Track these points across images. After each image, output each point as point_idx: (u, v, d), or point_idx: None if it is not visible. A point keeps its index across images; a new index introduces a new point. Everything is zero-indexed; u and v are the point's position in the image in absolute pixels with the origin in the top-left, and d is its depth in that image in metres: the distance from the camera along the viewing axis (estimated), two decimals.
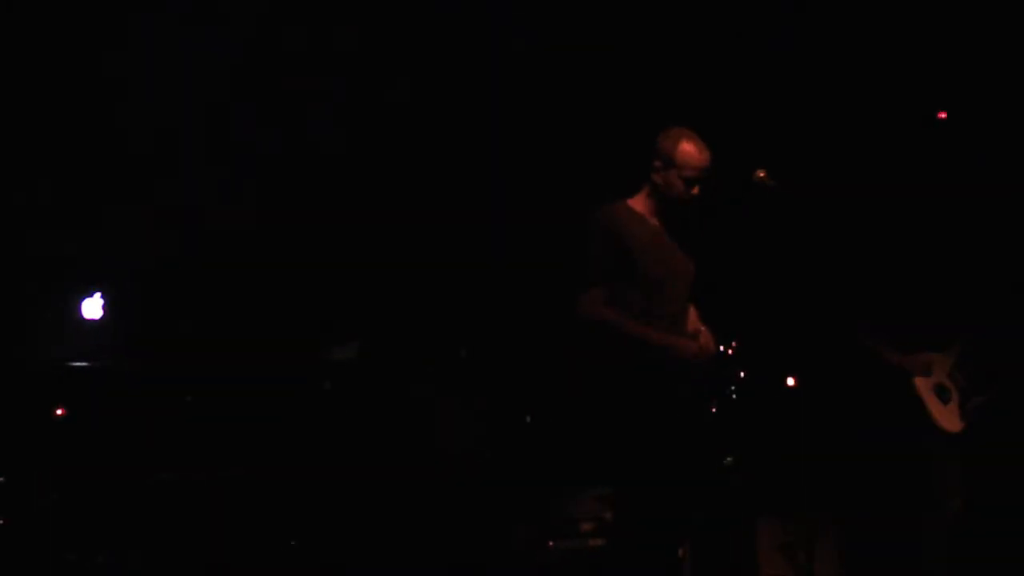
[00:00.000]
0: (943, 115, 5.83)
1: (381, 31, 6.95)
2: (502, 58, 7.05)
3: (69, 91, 6.66)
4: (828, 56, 6.65)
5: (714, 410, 4.82)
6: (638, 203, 4.73)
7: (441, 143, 7.19)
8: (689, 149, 4.61)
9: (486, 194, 7.09)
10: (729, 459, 6.00)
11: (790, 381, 5.36)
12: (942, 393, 5.57)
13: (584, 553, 5.87)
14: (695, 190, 4.64)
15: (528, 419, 6.19)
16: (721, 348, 4.76)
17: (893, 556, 5.97)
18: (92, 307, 6.53)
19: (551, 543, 5.91)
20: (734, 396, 4.84)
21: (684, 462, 4.59)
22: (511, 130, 7.15)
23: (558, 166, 7.02)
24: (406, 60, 7.04)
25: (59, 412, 5.78)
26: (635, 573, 4.49)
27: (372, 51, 7.00)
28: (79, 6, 6.52)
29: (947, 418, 5.54)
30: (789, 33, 6.59)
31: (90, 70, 6.65)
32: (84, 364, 6.03)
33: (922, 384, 5.57)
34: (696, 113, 5.85)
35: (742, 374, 5.75)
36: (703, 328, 4.70)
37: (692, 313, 4.82)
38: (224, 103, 6.95)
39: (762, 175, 4.77)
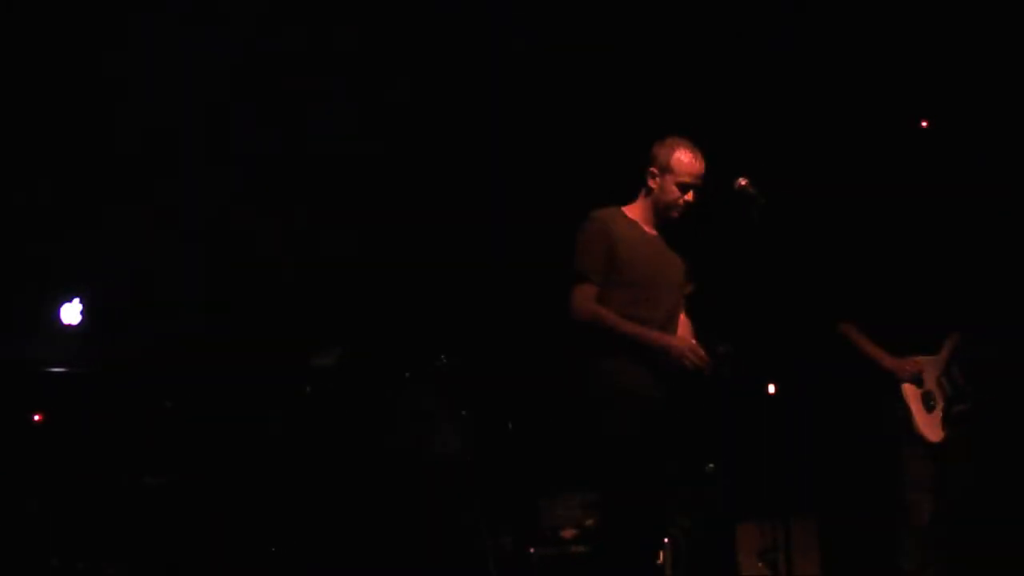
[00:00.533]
0: (925, 123, 5.78)
1: (381, 31, 6.93)
2: (502, 58, 7.02)
3: (69, 91, 6.67)
4: (815, 59, 6.63)
5: (698, 415, 4.80)
6: (633, 210, 4.83)
7: (440, 144, 7.18)
8: (684, 156, 4.72)
9: (485, 195, 7.08)
10: (711, 465, 6.00)
11: (771, 388, 5.34)
12: (928, 401, 5.53)
13: (565, 560, 5.87)
14: (689, 196, 4.73)
15: (510, 425, 6.17)
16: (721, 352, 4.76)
17: (872, 559, 5.97)
18: (70, 312, 6.54)
19: (532, 550, 5.92)
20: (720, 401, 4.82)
21: (666, 467, 4.62)
22: (511, 131, 7.13)
23: (557, 167, 7.00)
24: (406, 60, 7.03)
25: (36, 418, 5.78)
26: None
27: (372, 51, 6.98)
28: (79, 6, 6.53)
29: (930, 427, 5.51)
30: (788, 36, 6.54)
31: (90, 70, 6.66)
32: (62, 369, 6.03)
33: (910, 392, 5.54)
34: (693, 113, 5.91)
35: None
36: (693, 343, 4.71)
37: (687, 326, 4.84)
38: (224, 103, 6.95)
39: (743, 183, 4.80)
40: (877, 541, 5.80)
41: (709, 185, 4.77)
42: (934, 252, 5.59)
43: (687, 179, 4.71)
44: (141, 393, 6.05)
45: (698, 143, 4.81)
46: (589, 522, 5.87)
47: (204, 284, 6.88)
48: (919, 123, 5.84)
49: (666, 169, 4.71)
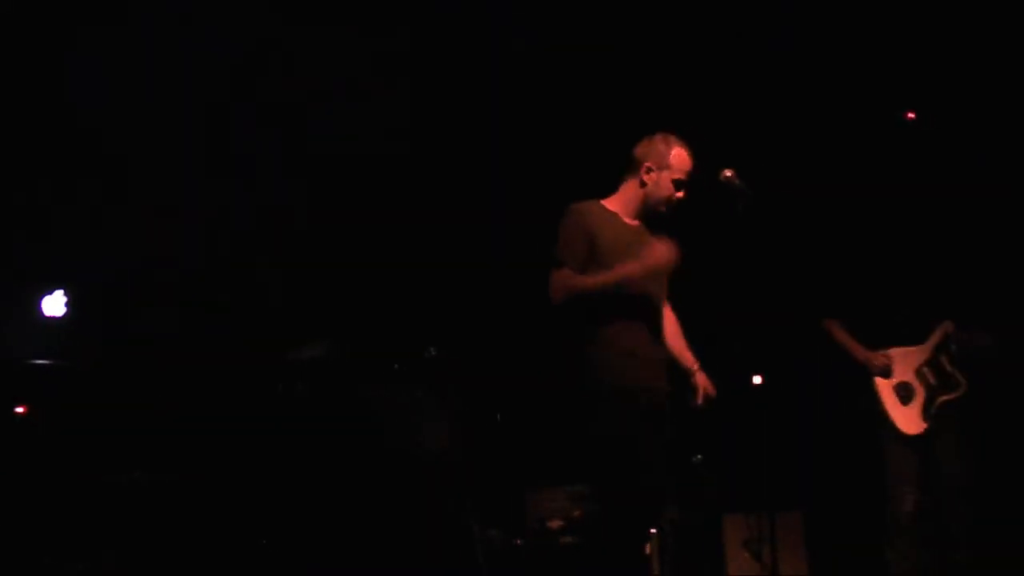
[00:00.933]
0: (911, 115, 5.77)
1: (381, 31, 6.94)
2: (502, 58, 7.03)
3: (67, 90, 6.70)
4: (800, 55, 6.63)
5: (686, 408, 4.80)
6: (613, 203, 4.85)
7: (437, 143, 7.18)
8: (682, 152, 4.76)
9: (475, 193, 7.08)
10: (698, 457, 5.97)
11: (757, 380, 5.32)
12: (903, 392, 5.49)
13: (553, 551, 5.85)
14: (681, 193, 4.76)
15: (499, 418, 6.16)
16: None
17: (858, 553, 5.93)
18: (54, 305, 6.50)
19: (519, 541, 5.90)
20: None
21: (653, 460, 4.59)
22: (511, 130, 7.13)
23: (552, 165, 6.99)
24: (406, 60, 7.04)
25: (20, 411, 5.74)
26: (603, 570, 4.52)
27: (372, 51, 6.99)
28: (79, 5, 6.57)
29: (906, 420, 5.46)
30: (775, 31, 6.54)
31: (89, 69, 6.69)
32: (47, 363, 5.99)
33: (881, 385, 5.50)
34: (681, 107, 5.89)
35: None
36: (699, 371, 4.79)
37: (674, 323, 4.83)
38: (224, 103, 6.97)
39: (729, 174, 4.81)
40: (864, 535, 5.76)
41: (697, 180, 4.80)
42: (919, 243, 5.56)
43: (683, 176, 4.74)
44: (125, 386, 6.00)
45: (687, 136, 4.83)
46: (576, 513, 5.85)
47: (191, 279, 6.88)
48: (905, 115, 5.82)
49: (665, 166, 4.74)
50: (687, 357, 4.84)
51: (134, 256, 6.69)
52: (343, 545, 5.74)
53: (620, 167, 4.90)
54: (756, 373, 5.24)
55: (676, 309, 4.91)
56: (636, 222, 4.80)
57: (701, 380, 4.77)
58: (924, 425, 5.44)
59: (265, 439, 5.95)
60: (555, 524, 5.92)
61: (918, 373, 5.52)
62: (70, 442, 5.75)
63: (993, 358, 5.45)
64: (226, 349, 6.50)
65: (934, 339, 5.55)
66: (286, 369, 6.12)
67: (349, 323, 6.73)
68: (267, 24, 6.80)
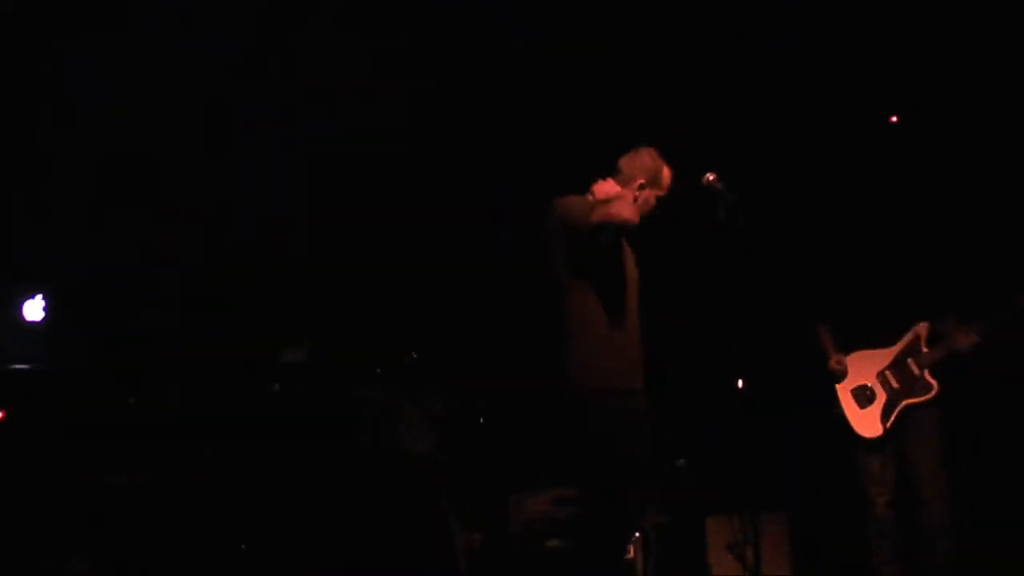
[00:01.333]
0: (894, 119, 5.75)
1: (381, 31, 6.94)
2: (502, 58, 7.01)
3: (65, 88, 6.73)
4: (782, 59, 6.60)
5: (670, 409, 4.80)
6: None
7: (438, 146, 7.18)
8: (668, 171, 4.83)
9: (463, 195, 7.07)
10: (681, 461, 5.96)
11: (740, 383, 5.29)
12: (862, 395, 5.45)
13: (536, 555, 5.83)
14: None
15: (481, 421, 6.14)
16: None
17: (840, 552, 5.90)
18: (33, 309, 6.49)
19: (502, 546, 5.87)
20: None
21: (636, 463, 4.59)
22: (510, 130, 7.12)
23: (554, 166, 6.96)
24: (405, 59, 7.03)
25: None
26: (586, 574, 4.51)
27: (372, 51, 6.99)
28: (79, 5, 6.59)
29: (863, 423, 5.44)
30: (759, 34, 6.51)
31: (88, 69, 6.71)
32: (24, 367, 5.99)
33: (840, 388, 5.50)
34: (670, 111, 5.87)
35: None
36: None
37: None
38: (224, 103, 6.98)
39: (711, 178, 4.83)
40: (849, 536, 5.74)
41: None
42: (907, 242, 5.52)
43: (667, 193, 4.81)
44: (104, 390, 5.99)
45: (676, 139, 4.87)
46: (560, 517, 5.83)
47: (172, 281, 6.89)
48: (888, 119, 5.80)
49: (656, 184, 4.79)
50: None
51: (129, 257, 6.71)
52: (323, 549, 5.74)
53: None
54: (740, 376, 5.22)
55: (659, 313, 4.90)
56: None
57: None
58: (881, 429, 5.41)
59: (245, 441, 5.94)
60: (538, 528, 5.90)
61: (879, 376, 5.48)
62: (71, 443, 5.77)
63: (980, 359, 5.40)
64: (205, 351, 6.50)
65: (902, 342, 5.51)
66: (267, 371, 6.12)
67: (330, 326, 6.72)
68: (267, 24, 6.80)
